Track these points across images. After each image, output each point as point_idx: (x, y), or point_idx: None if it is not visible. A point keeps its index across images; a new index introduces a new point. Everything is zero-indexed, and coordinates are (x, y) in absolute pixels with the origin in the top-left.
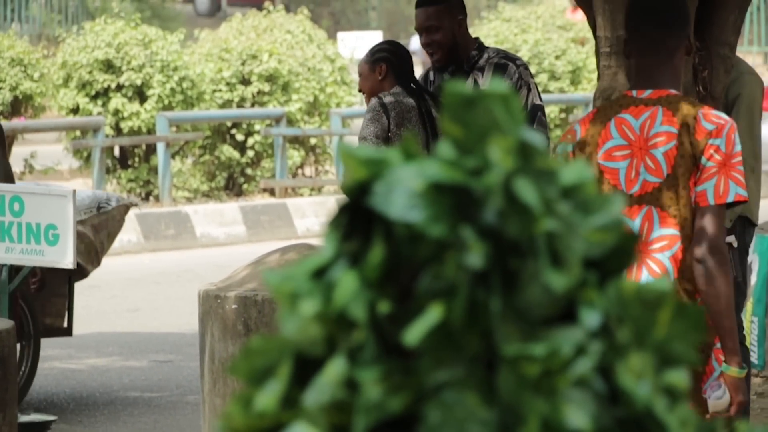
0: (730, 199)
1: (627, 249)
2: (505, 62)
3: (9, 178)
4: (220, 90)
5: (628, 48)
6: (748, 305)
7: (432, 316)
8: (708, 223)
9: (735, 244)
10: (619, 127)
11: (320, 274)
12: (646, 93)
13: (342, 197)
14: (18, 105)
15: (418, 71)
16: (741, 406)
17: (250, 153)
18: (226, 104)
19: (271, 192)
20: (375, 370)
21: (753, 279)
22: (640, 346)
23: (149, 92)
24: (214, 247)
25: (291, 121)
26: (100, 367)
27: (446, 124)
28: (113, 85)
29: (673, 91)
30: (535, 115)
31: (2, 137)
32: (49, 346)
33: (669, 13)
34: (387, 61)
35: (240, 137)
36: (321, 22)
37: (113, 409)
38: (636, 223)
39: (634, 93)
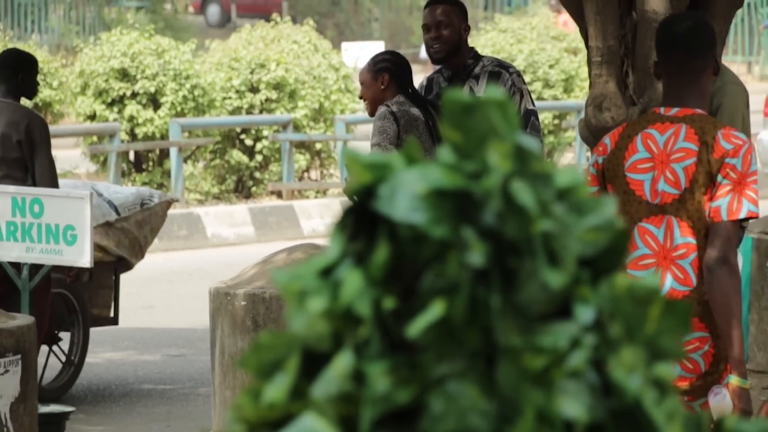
0: (742, 215)
1: (619, 248)
2: (499, 70)
3: (53, 174)
4: (230, 97)
5: (658, 69)
6: None
7: (434, 311)
8: (720, 236)
9: None
10: (644, 141)
11: (327, 272)
12: (673, 111)
13: (347, 200)
14: (38, 112)
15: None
16: (743, 415)
17: (259, 157)
18: (236, 111)
19: (279, 194)
20: (382, 364)
21: None
22: (631, 340)
23: (162, 99)
24: (224, 247)
25: (297, 127)
26: (115, 361)
27: (446, 130)
28: (128, 93)
29: (699, 111)
30: (529, 120)
31: (47, 133)
32: (67, 342)
33: (697, 37)
34: (389, 71)
35: (249, 142)
36: (326, 32)
37: (128, 401)
38: (660, 231)
39: (661, 110)
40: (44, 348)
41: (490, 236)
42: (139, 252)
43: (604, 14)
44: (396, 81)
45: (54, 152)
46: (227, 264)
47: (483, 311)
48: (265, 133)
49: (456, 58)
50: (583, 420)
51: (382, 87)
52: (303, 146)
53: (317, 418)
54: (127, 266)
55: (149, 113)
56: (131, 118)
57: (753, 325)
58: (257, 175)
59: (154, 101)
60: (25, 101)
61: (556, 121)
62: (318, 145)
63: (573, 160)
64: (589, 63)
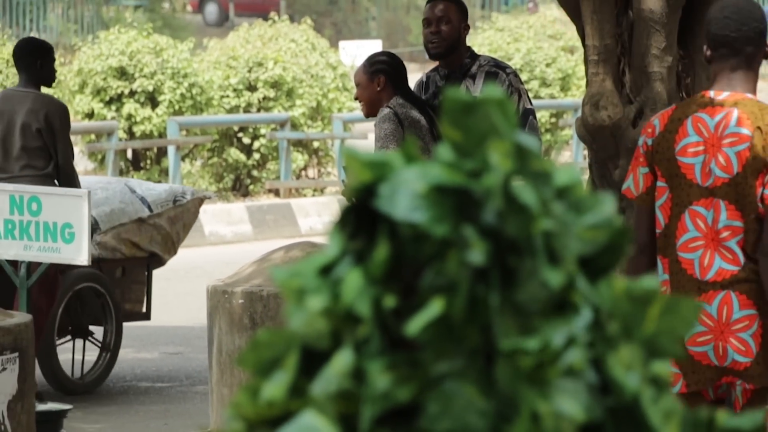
0: None
1: (618, 246)
2: (496, 70)
3: (69, 161)
4: (228, 96)
5: (710, 54)
6: None
7: (433, 309)
8: None
9: None
10: (695, 125)
11: (327, 271)
12: (724, 95)
13: (346, 199)
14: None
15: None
16: None
17: (256, 156)
18: (234, 109)
19: (276, 193)
20: (382, 361)
21: None
22: (629, 339)
23: (160, 98)
24: (222, 245)
25: (295, 126)
26: None
27: (446, 128)
28: (126, 91)
29: (749, 96)
30: (527, 119)
31: (67, 119)
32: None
33: (749, 23)
34: (385, 73)
35: (246, 141)
36: (323, 31)
37: (126, 398)
38: (709, 213)
39: (711, 93)
40: (78, 343)
41: (490, 235)
42: (172, 248)
43: (601, 13)
44: (392, 83)
45: None
46: (225, 262)
47: (482, 309)
48: (263, 131)
49: (453, 55)
50: (580, 419)
51: (378, 88)
52: (300, 144)
53: (317, 416)
54: (160, 262)
55: (147, 111)
56: (129, 117)
57: None
58: (255, 173)
59: (152, 99)
60: (45, 89)
61: (553, 120)
62: (315, 144)
63: (570, 158)
64: (586, 62)
